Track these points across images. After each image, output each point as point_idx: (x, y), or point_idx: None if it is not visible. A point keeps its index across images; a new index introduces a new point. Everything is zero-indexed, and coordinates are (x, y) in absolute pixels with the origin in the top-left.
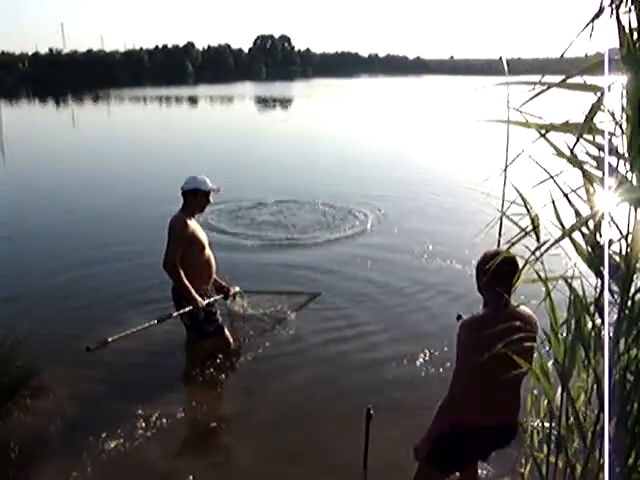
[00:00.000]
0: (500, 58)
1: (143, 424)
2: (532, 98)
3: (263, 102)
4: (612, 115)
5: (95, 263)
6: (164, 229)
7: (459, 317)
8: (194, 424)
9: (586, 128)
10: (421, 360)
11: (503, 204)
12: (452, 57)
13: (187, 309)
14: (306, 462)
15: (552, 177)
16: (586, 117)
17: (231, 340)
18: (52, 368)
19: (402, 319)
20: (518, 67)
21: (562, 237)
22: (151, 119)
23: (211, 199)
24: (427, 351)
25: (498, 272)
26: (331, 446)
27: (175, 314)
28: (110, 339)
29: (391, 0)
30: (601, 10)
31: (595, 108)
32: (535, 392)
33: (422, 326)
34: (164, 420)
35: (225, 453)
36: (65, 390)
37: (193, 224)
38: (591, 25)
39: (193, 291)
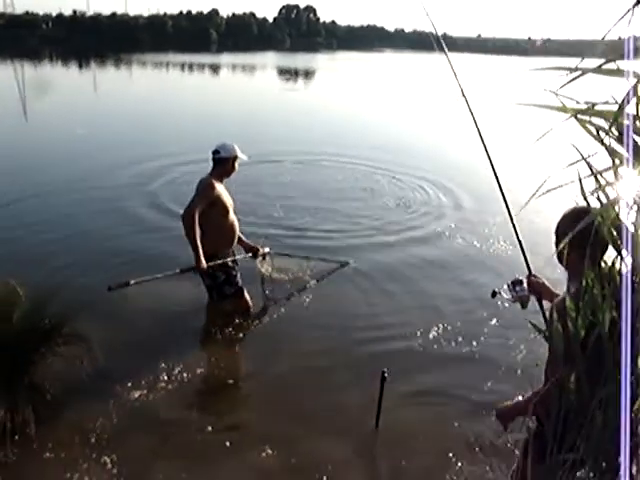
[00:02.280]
0: (529, 39)
1: (165, 377)
2: (568, 82)
3: (286, 73)
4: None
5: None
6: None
7: (494, 294)
8: (213, 380)
9: (621, 113)
10: (434, 334)
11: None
12: (479, 35)
13: (212, 263)
14: (318, 421)
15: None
16: (622, 102)
17: (250, 303)
18: (84, 317)
19: (422, 296)
20: (548, 48)
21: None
22: (170, 86)
23: (237, 166)
24: (443, 325)
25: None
26: (344, 408)
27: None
28: (132, 282)
29: None
30: None
31: (631, 94)
32: None
33: (440, 301)
34: (184, 375)
35: (240, 410)
36: (95, 339)
37: (220, 188)
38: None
39: (200, 249)
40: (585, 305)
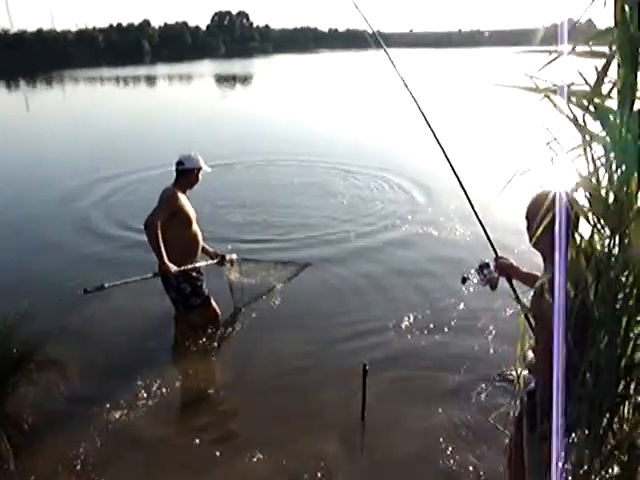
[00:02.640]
0: (459, 31)
1: (144, 394)
2: (548, 64)
3: (224, 80)
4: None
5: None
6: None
7: (464, 279)
8: (192, 392)
9: (597, 93)
10: (406, 324)
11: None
12: (411, 30)
13: (183, 268)
14: (305, 421)
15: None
16: (596, 81)
17: (219, 311)
18: (55, 342)
19: (389, 289)
20: (478, 39)
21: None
22: (108, 101)
23: (200, 177)
24: (414, 315)
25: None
26: (328, 404)
27: (174, 269)
28: (107, 285)
29: None
30: None
31: (603, 73)
32: None
33: (407, 293)
34: (163, 390)
35: (225, 419)
36: (68, 363)
37: (183, 198)
38: None
39: (164, 254)
40: (571, 276)
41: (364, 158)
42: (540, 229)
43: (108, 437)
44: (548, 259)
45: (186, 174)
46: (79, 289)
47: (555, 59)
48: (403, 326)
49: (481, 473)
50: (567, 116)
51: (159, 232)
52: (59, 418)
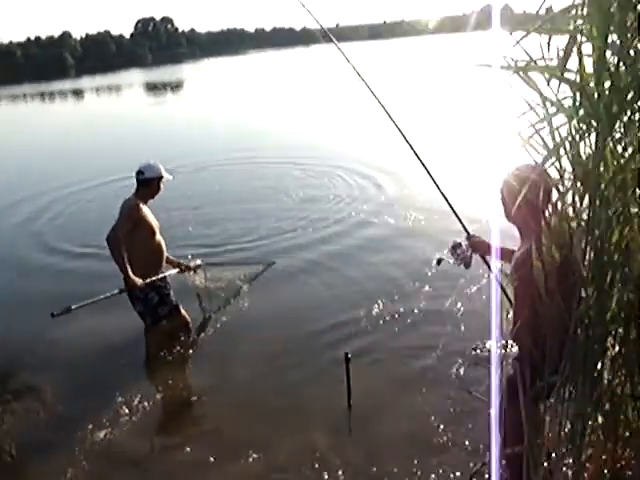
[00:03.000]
0: (384, 22)
1: (126, 410)
2: (521, 39)
3: (154, 88)
4: None
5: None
6: None
7: (439, 261)
8: (175, 402)
9: (563, 67)
10: (377, 310)
11: None
12: (337, 25)
13: (148, 280)
14: (293, 416)
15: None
16: (564, 56)
17: (188, 318)
18: (29, 368)
19: (356, 280)
20: (397, 30)
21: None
22: (33, 120)
23: (162, 186)
24: (383, 302)
25: (547, 188)
26: (313, 398)
27: (140, 283)
28: (74, 307)
29: None
30: None
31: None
32: None
33: (375, 280)
34: (145, 404)
35: (212, 424)
36: (45, 388)
37: (145, 209)
38: None
39: (129, 268)
40: (552, 239)
41: (314, 152)
42: (516, 204)
43: (94, 459)
44: (525, 231)
45: (147, 184)
46: (46, 312)
47: (525, 37)
48: (374, 313)
49: (471, 446)
50: (539, 91)
51: (122, 246)
52: (42, 446)
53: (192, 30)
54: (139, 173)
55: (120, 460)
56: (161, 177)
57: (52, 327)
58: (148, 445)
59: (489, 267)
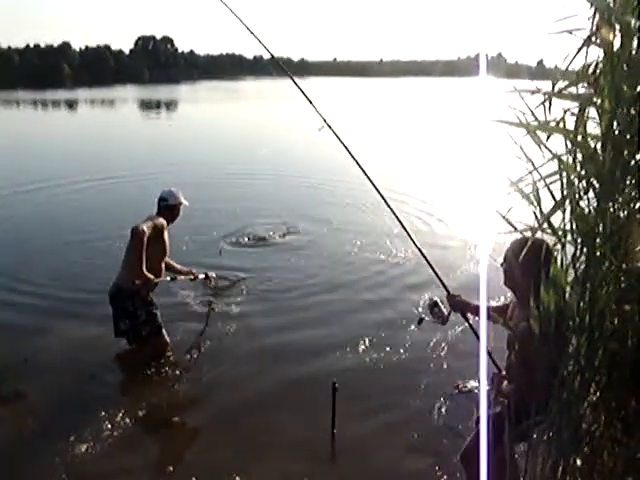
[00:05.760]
0: (381, 61)
1: (109, 425)
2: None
3: (149, 107)
4: None
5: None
6: None
7: (421, 320)
8: (157, 420)
9: (579, 132)
10: (363, 347)
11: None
12: (335, 59)
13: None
14: (277, 441)
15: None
16: (577, 122)
17: (168, 340)
18: (10, 380)
19: (344, 314)
20: (398, 68)
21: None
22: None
23: (181, 212)
24: (369, 339)
25: (547, 258)
26: (298, 424)
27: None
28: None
29: (273, 2)
30: None
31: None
32: None
33: (361, 316)
34: (127, 420)
35: (194, 445)
36: (27, 400)
37: (166, 233)
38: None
39: (144, 264)
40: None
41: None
42: (519, 272)
43: (76, 473)
44: (523, 297)
45: (170, 210)
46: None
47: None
48: (360, 349)
49: None
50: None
51: (145, 242)
52: (22, 457)
53: (191, 52)
54: (162, 200)
55: (98, 474)
56: (181, 203)
57: (38, 336)
58: (130, 462)
59: (470, 326)
